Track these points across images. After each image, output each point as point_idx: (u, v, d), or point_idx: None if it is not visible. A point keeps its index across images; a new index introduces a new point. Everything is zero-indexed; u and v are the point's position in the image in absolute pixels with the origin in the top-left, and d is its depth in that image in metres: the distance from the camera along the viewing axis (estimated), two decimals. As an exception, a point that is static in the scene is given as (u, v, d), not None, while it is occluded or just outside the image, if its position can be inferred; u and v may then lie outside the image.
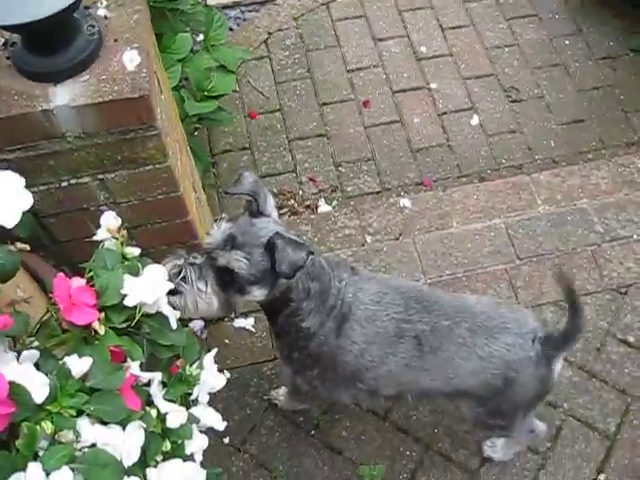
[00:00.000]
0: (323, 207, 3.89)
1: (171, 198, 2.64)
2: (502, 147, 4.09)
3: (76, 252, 2.77)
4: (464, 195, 3.74)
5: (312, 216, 3.75)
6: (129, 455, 1.62)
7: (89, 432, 1.60)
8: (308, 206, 3.91)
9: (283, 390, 3.20)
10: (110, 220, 1.94)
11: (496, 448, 3.11)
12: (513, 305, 2.74)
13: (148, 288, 1.73)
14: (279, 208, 3.90)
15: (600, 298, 3.46)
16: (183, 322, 3.39)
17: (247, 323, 3.43)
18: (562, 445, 3.17)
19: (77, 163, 2.38)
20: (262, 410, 3.24)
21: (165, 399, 1.79)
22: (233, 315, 3.44)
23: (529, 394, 2.64)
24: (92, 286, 1.73)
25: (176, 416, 1.76)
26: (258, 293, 2.35)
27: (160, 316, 1.77)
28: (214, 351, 1.94)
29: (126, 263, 1.84)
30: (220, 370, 3.31)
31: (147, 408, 1.74)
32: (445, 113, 4.22)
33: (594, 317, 3.41)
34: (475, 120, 4.17)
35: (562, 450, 3.16)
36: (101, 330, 1.64)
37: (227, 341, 3.40)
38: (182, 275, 2.31)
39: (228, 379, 3.31)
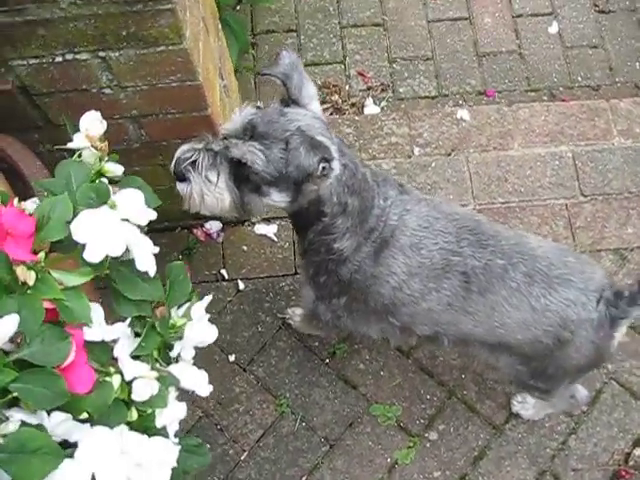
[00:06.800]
0: (370, 107, 3.25)
1: (188, 87, 2.05)
2: (580, 63, 3.36)
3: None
4: (531, 113, 3.07)
5: (357, 117, 3.11)
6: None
7: (17, 413, 1.11)
8: (353, 104, 3.27)
9: (301, 309, 2.69)
10: (93, 123, 1.36)
11: (527, 405, 2.61)
12: (581, 255, 2.17)
13: (110, 228, 1.17)
14: (322, 102, 3.27)
15: (667, 252, 2.86)
16: (199, 219, 2.88)
17: (269, 230, 2.89)
18: (599, 411, 2.66)
19: (73, 36, 1.80)
20: (275, 329, 2.75)
21: (134, 356, 1.27)
22: (254, 219, 2.90)
23: (581, 361, 2.13)
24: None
25: (144, 386, 1.25)
26: (278, 198, 1.84)
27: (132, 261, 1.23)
28: (207, 299, 1.40)
29: (95, 184, 1.27)
30: (232, 279, 2.84)
31: (111, 369, 1.23)
32: (521, 15, 3.46)
33: (658, 272, 2.82)
34: (554, 28, 3.42)
35: (598, 416, 2.66)
36: (30, 279, 1.10)
37: (245, 248, 2.87)
38: (192, 159, 1.81)
39: (241, 290, 2.84)
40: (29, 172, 1.84)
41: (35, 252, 1.14)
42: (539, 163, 2.97)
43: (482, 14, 3.45)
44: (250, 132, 1.78)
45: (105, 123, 1.37)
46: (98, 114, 1.38)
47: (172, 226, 2.87)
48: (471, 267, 2.00)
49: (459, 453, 2.61)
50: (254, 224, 2.89)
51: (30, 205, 1.28)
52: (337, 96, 3.28)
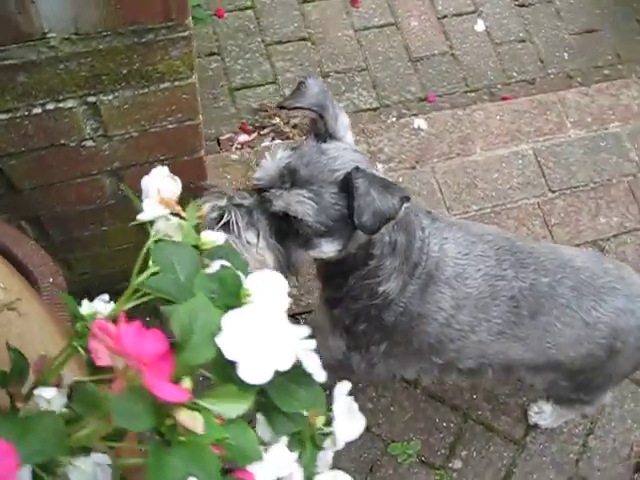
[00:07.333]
0: (314, 127, 3.03)
1: (186, 128, 1.75)
2: (512, 58, 3.32)
3: (42, 203, 1.87)
4: (486, 115, 2.98)
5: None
6: None
7: None
8: (295, 126, 3.05)
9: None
10: (164, 182, 1.07)
11: (544, 415, 2.51)
12: (615, 260, 2.08)
13: (270, 332, 0.91)
14: (261, 127, 3.03)
15: (640, 237, 2.87)
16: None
17: (242, 273, 2.60)
18: (611, 406, 2.61)
19: (61, 80, 1.46)
20: (270, 381, 2.47)
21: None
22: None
23: (628, 368, 2.07)
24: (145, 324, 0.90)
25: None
26: (329, 248, 1.60)
27: (294, 370, 0.95)
28: (346, 386, 1.13)
29: (219, 272, 0.99)
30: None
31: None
32: (446, 16, 3.37)
33: (636, 258, 2.81)
34: (480, 26, 3.36)
35: (611, 411, 2.61)
36: (198, 425, 0.81)
37: (220, 296, 2.56)
38: (224, 220, 1.53)
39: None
40: (20, 252, 1.49)
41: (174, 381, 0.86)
42: (504, 164, 2.88)
43: (408, 18, 3.33)
44: (289, 178, 1.53)
45: (179, 180, 1.08)
46: (166, 169, 1.08)
47: (133, 285, 2.52)
48: (518, 290, 1.85)
49: (487, 476, 2.47)
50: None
51: (103, 306, 1.00)
52: (278, 119, 3.05)
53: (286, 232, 1.57)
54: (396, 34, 3.30)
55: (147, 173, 1.93)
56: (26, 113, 1.51)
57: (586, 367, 1.98)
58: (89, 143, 1.68)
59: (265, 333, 0.89)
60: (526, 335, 1.89)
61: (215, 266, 0.97)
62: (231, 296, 0.94)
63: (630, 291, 1.91)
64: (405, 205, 1.48)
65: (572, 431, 2.57)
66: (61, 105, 1.52)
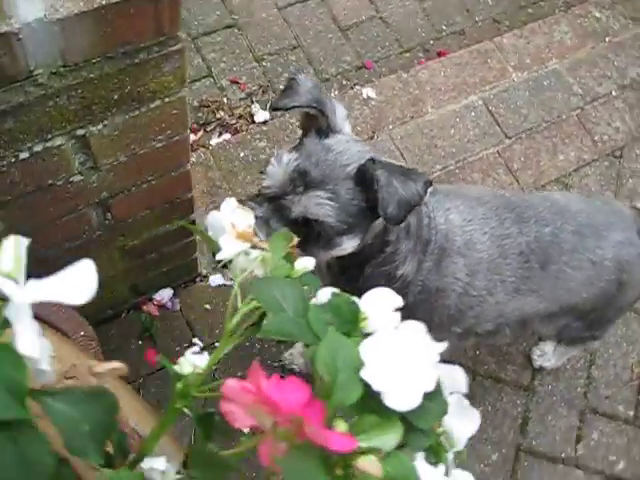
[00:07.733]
0: (260, 114, 2.94)
1: (174, 143, 1.66)
2: (438, 12, 3.30)
3: (27, 247, 1.72)
4: (430, 73, 2.96)
5: (264, 127, 2.80)
6: None
7: None
8: (241, 116, 2.94)
9: (298, 348, 2.39)
10: (238, 216, 0.99)
11: (547, 356, 2.56)
12: (600, 196, 2.12)
13: (405, 354, 0.86)
14: (206, 124, 2.92)
15: (599, 167, 2.92)
16: (143, 294, 2.45)
17: (224, 279, 2.52)
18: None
19: (50, 118, 1.34)
20: (278, 381, 2.41)
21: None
22: (205, 272, 2.52)
23: (635, 296, 2.11)
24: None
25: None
26: (350, 244, 1.57)
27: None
28: (460, 371, 1.07)
29: (332, 300, 0.93)
30: (209, 345, 2.44)
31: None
32: (366, -20, 3.32)
33: (599, 188, 2.87)
34: (401, -16, 3.33)
35: (606, 339, 2.67)
36: (377, 469, 0.77)
37: (208, 306, 2.48)
38: None
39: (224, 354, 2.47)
40: (41, 308, 1.37)
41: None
42: (457, 119, 2.88)
43: (328, -12, 3.27)
44: (301, 182, 1.47)
45: (251, 211, 0.99)
46: (234, 201, 0.99)
47: (117, 312, 2.40)
48: (525, 244, 1.86)
49: (506, 427, 2.50)
50: (206, 277, 2.51)
51: (199, 359, 0.93)
52: (222, 112, 2.94)
53: (306, 236, 1.52)
54: (321, 6, 3.22)
55: (133, 198, 1.83)
56: (12, 160, 1.39)
57: (598, 305, 2.02)
58: (77, 178, 1.56)
59: (406, 356, 0.84)
60: (540, 286, 1.91)
61: (322, 296, 0.91)
62: (348, 323, 0.89)
63: (624, 222, 1.96)
64: (430, 189, 1.44)
65: (575, 366, 2.63)
66: (49, 144, 1.40)
